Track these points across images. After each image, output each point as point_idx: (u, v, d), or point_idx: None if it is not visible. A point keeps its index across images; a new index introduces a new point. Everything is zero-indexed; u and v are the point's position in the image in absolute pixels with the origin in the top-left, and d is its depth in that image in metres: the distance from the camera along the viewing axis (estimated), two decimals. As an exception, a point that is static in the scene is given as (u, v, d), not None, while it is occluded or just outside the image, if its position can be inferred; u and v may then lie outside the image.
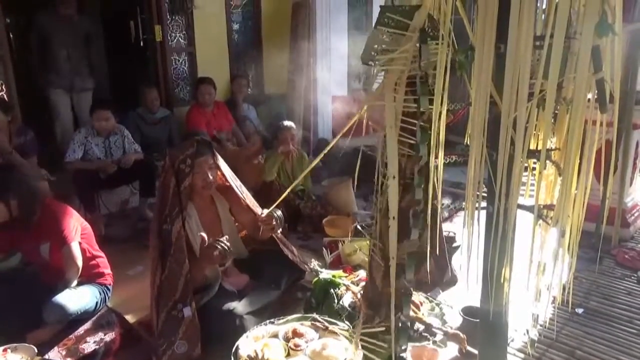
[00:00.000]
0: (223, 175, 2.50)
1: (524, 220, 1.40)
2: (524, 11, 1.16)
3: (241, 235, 2.71)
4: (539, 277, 1.44)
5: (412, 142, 1.60)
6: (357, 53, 5.21)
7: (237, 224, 2.66)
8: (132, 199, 4.03)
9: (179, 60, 4.91)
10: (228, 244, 2.17)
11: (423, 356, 1.98)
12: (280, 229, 2.54)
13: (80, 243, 2.39)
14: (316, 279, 2.50)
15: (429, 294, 2.50)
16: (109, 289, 2.55)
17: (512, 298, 1.49)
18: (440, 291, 2.61)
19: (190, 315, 2.15)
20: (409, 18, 1.47)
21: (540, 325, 1.93)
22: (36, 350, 2.07)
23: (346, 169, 3.90)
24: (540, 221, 1.41)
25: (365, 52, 1.58)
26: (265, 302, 2.36)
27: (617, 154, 3.03)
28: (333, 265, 2.87)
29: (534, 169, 1.50)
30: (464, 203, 1.51)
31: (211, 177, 2.38)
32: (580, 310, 2.46)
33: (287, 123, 3.80)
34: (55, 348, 2.22)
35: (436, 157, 1.56)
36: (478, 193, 1.36)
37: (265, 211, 2.46)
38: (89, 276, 2.46)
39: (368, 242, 1.97)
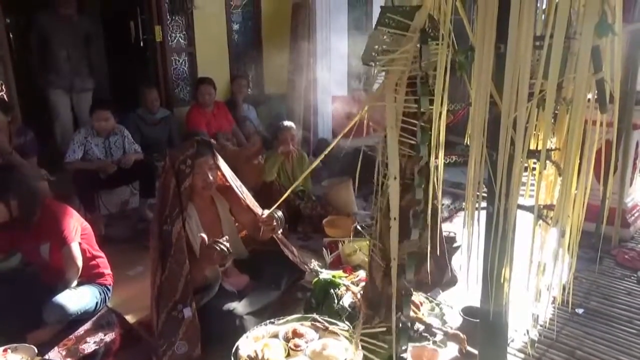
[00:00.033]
0: (223, 175, 2.50)
1: (524, 220, 1.40)
2: (524, 11, 1.16)
3: (241, 235, 2.71)
4: (539, 277, 1.44)
5: (412, 142, 1.60)
6: (357, 53, 5.22)
7: (237, 224, 2.66)
8: (132, 199, 4.03)
9: (179, 61, 4.91)
10: (227, 244, 2.17)
11: (423, 356, 1.98)
12: (281, 230, 2.54)
13: (80, 243, 2.39)
14: (316, 279, 2.50)
15: (429, 294, 2.50)
16: (109, 289, 2.55)
17: (512, 298, 1.49)
18: (440, 291, 2.61)
19: (191, 316, 2.15)
20: (409, 18, 1.47)
21: (541, 326, 1.93)
22: (36, 351, 2.07)
23: (346, 169, 3.90)
24: (540, 221, 1.41)
25: (366, 52, 1.58)
26: (265, 302, 2.36)
27: (617, 154, 3.03)
28: (333, 266, 2.87)
29: (534, 169, 1.50)
30: (464, 203, 1.51)
31: (211, 178, 2.38)
32: (580, 311, 2.46)
33: (287, 123, 3.80)
34: (56, 348, 2.22)
35: (436, 158, 1.56)
36: (478, 193, 1.36)
37: (266, 212, 2.46)
38: (89, 276, 2.46)
39: (368, 242, 1.97)
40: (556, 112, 1.43)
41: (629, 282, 2.76)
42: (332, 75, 5.26)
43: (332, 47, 5.25)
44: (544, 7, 1.37)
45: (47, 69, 4.27)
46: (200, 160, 2.33)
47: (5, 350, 2.04)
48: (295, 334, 2.06)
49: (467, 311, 2.19)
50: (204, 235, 2.21)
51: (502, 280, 1.43)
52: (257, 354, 1.93)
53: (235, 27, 5.19)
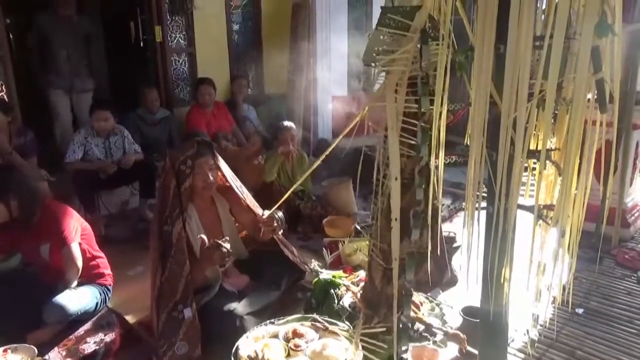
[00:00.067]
0: (223, 175, 2.50)
1: (524, 220, 1.40)
2: (524, 11, 1.16)
3: (241, 235, 2.71)
4: (539, 277, 1.44)
5: (412, 142, 1.60)
6: (357, 53, 5.22)
7: (237, 224, 2.66)
8: (132, 199, 4.03)
9: (179, 61, 4.91)
10: (228, 245, 2.17)
11: (423, 356, 1.98)
12: (282, 231, 2.54)
13: (80, 244, 2.39)
14: (316, 279, 2.50)
15: (429, 294, 2.50)
16: (109, 290, 2.55)
17: (512, 298, 1.49)
18: (440, 291, 2.61)
19: (191, 316, 2.15)
20: (409, 19, 1.47)
21: (541, 326, 1.93)
22: (36, 351, 2.08)
23: (346, 169, 3.90)
24: (540, 221, 1.41)
25: (366, 53, 1.59)
26: (265, 302, 2.36)
27: (617, 154, 3.03)
28: (333, 266, 2.87)
29: (534, 169, 1.50)
30: (464, 203, 1.51)
31: (211, 178, 2.38)
32: (580, 311, 2.46)
33: (287, 123, 3.80)
34: (56, 348, 2.22)
35: (436, 158, 1.56)
36: (478, 193, 1.36)
37: (267, 212, 2.46)
38: (89, 277, 2.46)
39: (368, 242, 1.97)
40: (556, 112, 1.43)
41: (629, 282, 2.76)
42: (332, 75, 5.26)
43: (332, 47, 5.25)
44: (543, 7, 1.37)
45: (47, 70, 4.27)
46: (201, 160, 2.33)
47: (5, 351, 2.04)
48: (296, 334, 2.06)
49: (467, 311, 2.19)
50: (204, 236, 2.21)
51: (502, 280, 1.43)
52: (257, 354, 1.93)
53: (235, 27, 5.19)
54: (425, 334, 2.16)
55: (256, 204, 2.60)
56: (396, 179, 1.55)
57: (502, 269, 1.41)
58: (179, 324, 2.13)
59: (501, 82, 1.23)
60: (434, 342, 2.11)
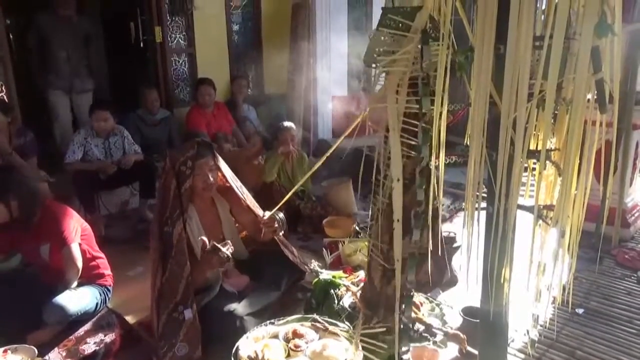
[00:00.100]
0: (223, 176, 2.50)
1: (524, 221, 1.40)
2: (524, 12, 1.16)
3: (241, 236, 2.71)
4: (539, 278, 1.44)
5: (412, 143, 1.60)
6: (356, 53, 5.22)
7: (237, 224, 2.66)
8: (132, 200, 4.03)
9: (179, 61, 4.91)
10: (228, 253, 2.17)
11: (423, 356, 1.98)
12: (283, 232, 2.54)
13: (80, 244, 2.39)
14: (316, 279, 2.50)
15: (429, 294, 2.50)
16: (109, 290, 2.55)
17: (512, 298, 1.49)
18: (441, 291, 2.61)
19: (191, 318, 2.15)
20: (410, 19, 1.47)
21: (541, 326, 1.93)
22: (36, 352, 2.07)
23: (346, 169, 3.90)
24: (540, 221, 1.41)
25: (367, 54, 1.59)
26: (265, 303, 2.35)
27: (617, 155, 3.03)
28: (333, 266, 2.87)
29: (533, 169, 1.50)
30: (463, 203, 1.51)
31: (212, 179, 2.38)
32: (580, 311, 2.46)
33: (287, 124, 3.80)
34: (56, 349, 2.22)
35: (436, 158, 1.56)
36: (478, 193, 1.36)
37: (267, 213, 2.46)
38: (89, 277, 2.46)
39: (366, 242, 1.97)
40: (556, 112, 1.43)
41: (629, 282, 2.76)
42: (332, 75, 5.26)
43: (332, 47, 5.25)
44: (543, 7, 1.37)
45: (47, 70, 4.27)
46: (201, 161, 2.33)
47: (5, 351, 2.04)
48: (296, 335, 2.06)
49: (467, 311, 2.19)
50: (205, 239, 2.21)
51: (502, 280, 1.43)
52: (257, 355, 1.93)
53: (235, 27, 5.19)
54: (425, 335, 2.16)
55: (256, 204, 2.59)
56: (398, 180, 1.55)
57: (502, 269, 1.41)
58: (179, 325, 2.13)
59: (501, 82, 1.23)
60: (434, 343, 2.10)
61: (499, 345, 1.59)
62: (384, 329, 1.92)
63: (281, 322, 2.16)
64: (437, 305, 2.41)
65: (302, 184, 3.72)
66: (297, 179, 3.64)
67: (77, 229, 2.39)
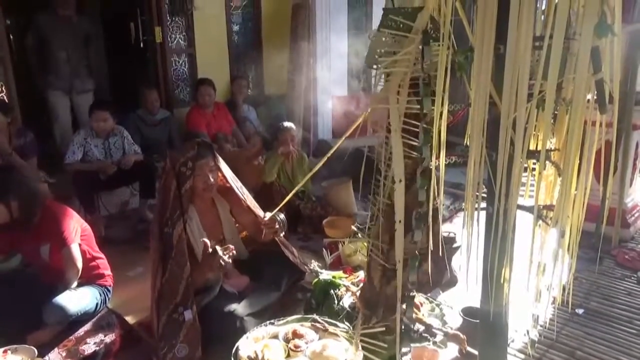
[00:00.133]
0: (224, 176, 2.50)
1: (523, 221, 1.40)
2: (524, 12, 1.16)
3: (242, 236, 2.71)
4: (539, 278, 1.45)
5: (412, 143, 1.60)
6: (356, 53, 5.22)
7: (237, 225, 2.66)
8: (132, 200, 4.03)
9: (179, 62, 4.91)
10: (229, 261, 2.17)
11: (423, 357, 1.98)
12: (283, 232, 2.54)
13: (80, 244, 2.39)
14: (316, 280, 2.50)
15: (429, 294, 2.50)
16: (109, 290, 2.55)
17: (512, 299, 1.49)
18: (440, 292, 2.61)
19: (191, 319, 2.14)
20: (411, 20, 1.47)
21: (541, 326, 1.93)
22: (36, 352, 2.07)
23: (347, 170, 3.90)
24: (540, 221, 1.41)
25: (369, 55, 1.59)
26: (265, 303, 2.35)
27: (617, 155, 3.03)
28: (333, 266, 2.87)
29: (533, 169, 1.51)
30: (463, 204, 1.51)
31: (212, 180, 2.38)
32: (580, 311, 2.46)
33: (287, 124, 3.80)
34: (56, 349, 2.22)
35: (437, 158, 1.56)
36: (478, 194, 1.37)
37: (268, 214, 2.46)
38: (89, 277, 2.46)
39: (365, 242, 1.97)
40: (556, 112, 1.43)
41: (629, 283, 2.76)
42: (332, 75, 5.26)
43: (332, 48, 5.25)
44: (543, 7, 1.37)
45: (47, 70, 4.27)
46: (201, 162, 2.33)
47: (5, 352, 2.04)
48: (295, 335, 2.06)
49: (467, 312, 2.19)
50: (207, 241, 2.21)
51: (502, 281, 1.43)
52: (257, 355, 1.93)
53: (235, 28, 5.19)
54: (425, 335, 2.16)
55: (256, 204, 2.59)
56: (400, 181, 1.55)
57: (502, 269, 1.41)
58: (179, 326, 2.13)
59: (501, 83, 1.23)
60: (434, 343, 2.11)
61: (499, 345, 1.59)
62: (384, 329, 1.91)
63: (281, 322, 2.16)
64: (437, 305, 2.41)
65: (303, 185, 3.74)
66: (297, 179, 3.64)
67: (77, 229, 2.39)
